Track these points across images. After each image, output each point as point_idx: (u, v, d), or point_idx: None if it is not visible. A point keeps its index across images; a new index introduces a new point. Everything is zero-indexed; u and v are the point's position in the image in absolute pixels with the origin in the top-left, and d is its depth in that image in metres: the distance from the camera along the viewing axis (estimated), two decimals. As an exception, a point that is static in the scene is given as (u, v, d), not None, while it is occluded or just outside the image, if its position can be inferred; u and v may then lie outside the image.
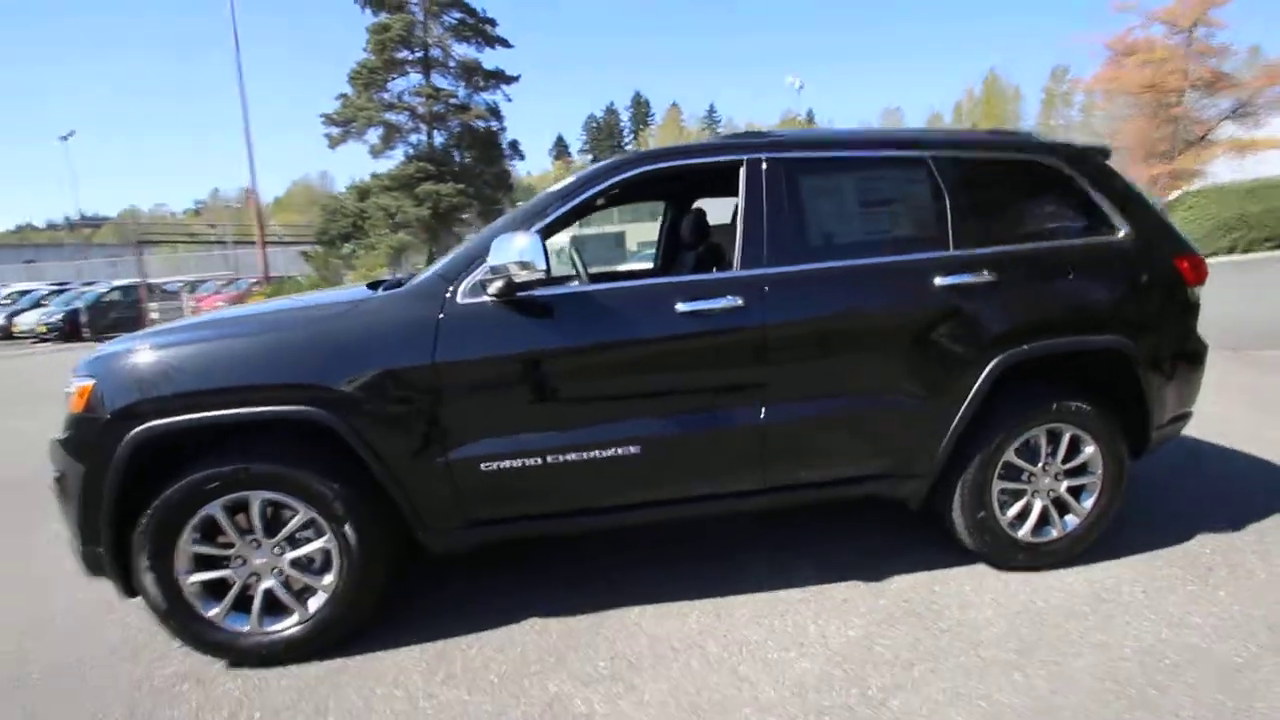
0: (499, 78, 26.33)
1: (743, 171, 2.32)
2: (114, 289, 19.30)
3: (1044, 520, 2.53)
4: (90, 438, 1.99)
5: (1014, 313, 2.36)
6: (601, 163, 2.34)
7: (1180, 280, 2.57)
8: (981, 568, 2.56)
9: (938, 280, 2.31)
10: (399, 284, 2.54)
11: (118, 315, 17.80)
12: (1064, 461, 2.51)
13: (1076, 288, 2.44)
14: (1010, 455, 2.45)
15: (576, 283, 2.41)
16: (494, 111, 26.59)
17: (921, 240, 2.40)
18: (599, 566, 2.72)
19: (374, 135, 26.08)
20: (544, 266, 1.97)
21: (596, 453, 2.15)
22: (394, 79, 25.82)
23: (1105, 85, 21.02)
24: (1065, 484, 2.53)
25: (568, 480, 2.17)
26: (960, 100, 62.60)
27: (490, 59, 26.93)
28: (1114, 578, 2.47)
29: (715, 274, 2.28)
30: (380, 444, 2.04)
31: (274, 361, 2.03)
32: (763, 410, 2.24)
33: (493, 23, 25.96)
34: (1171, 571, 2.49)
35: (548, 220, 2.20)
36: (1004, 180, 2.54)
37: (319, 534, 2.08)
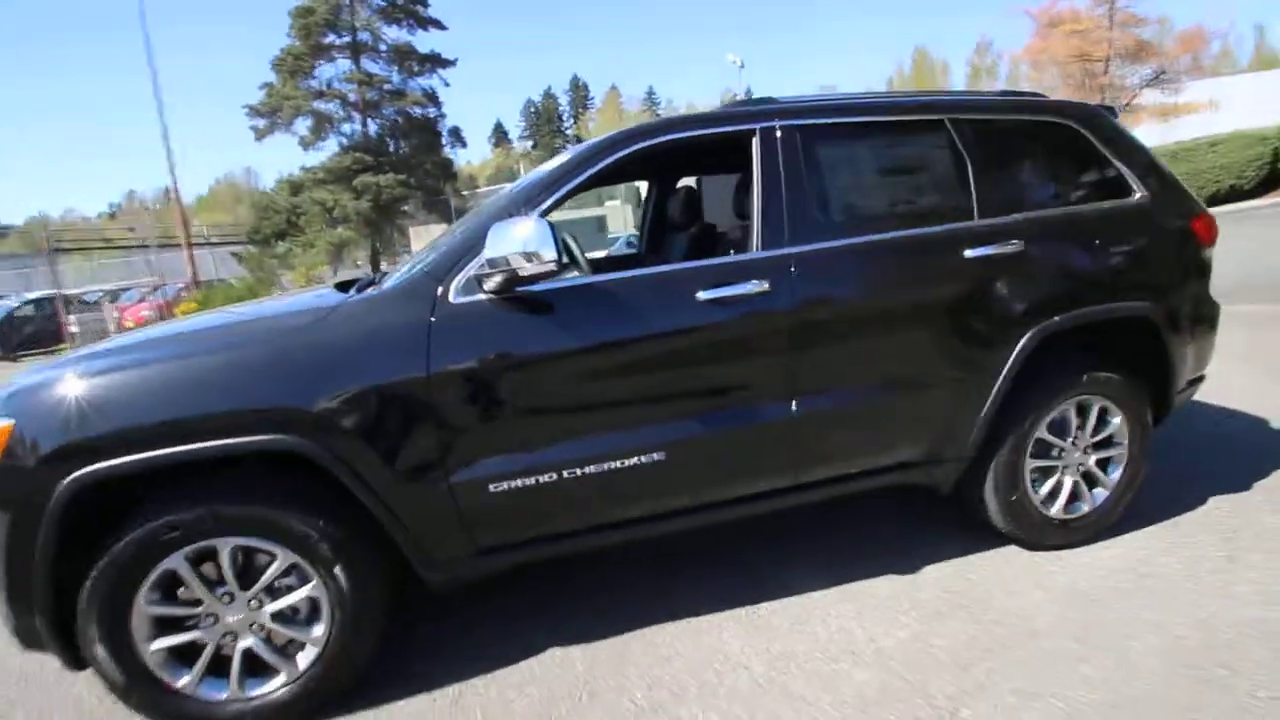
0: (435, 61, 25.24)
1: (756, 142, 2.10)
2: (26, 302, 17.74)
3: (1074, 496, 2.45)
4: (14, 489, 1.64)
5: (1044, 283, 2.25)
6: (609, 135, 2.09)
7: (1196, 241, 2.51)
8: (1010, 549, 2.47)
9: (967, 253, 2.16)
10: (372, 283, 2.24)
11: (33, 330, 16.42)
12: (1092, 434, 2.43)
13: (1102, 253, 2.34)
14: (1042, 431, 2.35)
15: (576, 273, 2.17)
16: (431, 97, 25.52)
17: (946, 210, 2.25)
18: (612, 581, 2.50)
19: (303, 126, 24.69)
20: (555, 256, 1.72)
21: (617, 463, 1.92)
22: (321, 65, 24.42)
23: (1035, 55, 21.62)
24: (1094, 457, 2.45)
25: (586, 495, 1.94)
26: (891, 76, 63.93)
27: (424, 42, 25.81)
28: (1145, 549, 2.41)
29: (736, 256, 2.07)
30: (370, 472, 1.76)
31: (236, 383, 1.72)
32: (794, 403, 2.06)
33: (424, 3, 24.83)
34: (1199, 539, 2.45)
35: (552, 200, 1.94)
36: (1022, 143, 2.41)
37: (303, 580, 1.79)
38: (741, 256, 2.05)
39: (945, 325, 2.17)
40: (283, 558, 1.75)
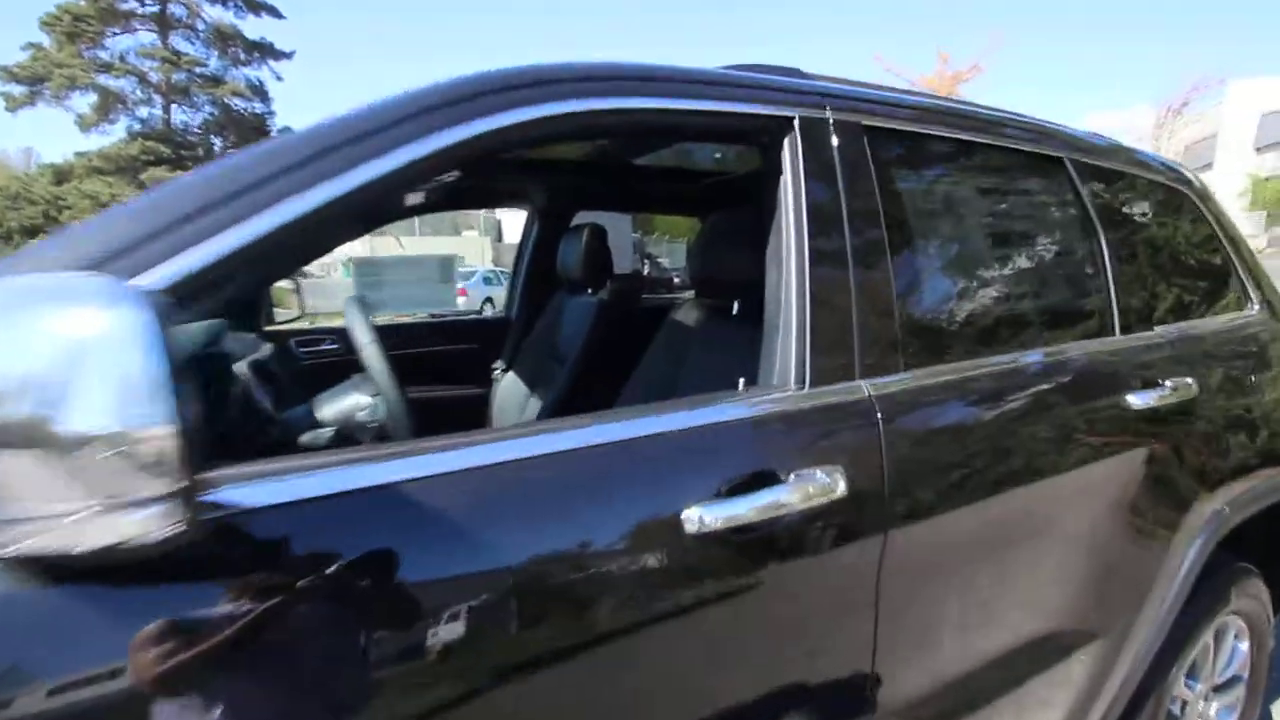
0: (265, 51, 21.93)
1: (790, 142, 0.97)
2: None
3: (1193, 768, 1.55)
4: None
5: (1214, 450, 1.34)
6: (483, 73, 0.81)
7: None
8: None
9: (1131, 400, 1.18)
10: None
11: None
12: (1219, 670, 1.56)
13: (1258, 397, 1.50)
14: (1180, 684, 1.43)
15: (369, 415, 0.87)
16: (258, 90, 22.13)
17: (1078, 313, 1.28)
18: None
19: (84, 102, 20.20)
20: (178, 457, 0.41)
21: None
22: (115, 34, 20.25)
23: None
24: (1215, 705, 1.58)
25: None
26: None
27: (255, 28, 22.48)
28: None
29: (761, 401, 0.87)
30: None
31: None
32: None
33: (258, -14, 21.65)
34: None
35: (240, 243, 0.60)
36: (1147, 213, 1.54)
37: None
38: (775, 401, 0.86)
39: (1101, 533, 1.16)
40: None
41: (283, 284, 2.36)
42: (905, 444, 0.90)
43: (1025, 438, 1.04)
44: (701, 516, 0.72)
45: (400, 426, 0.90)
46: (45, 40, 19.66)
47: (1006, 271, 1.21)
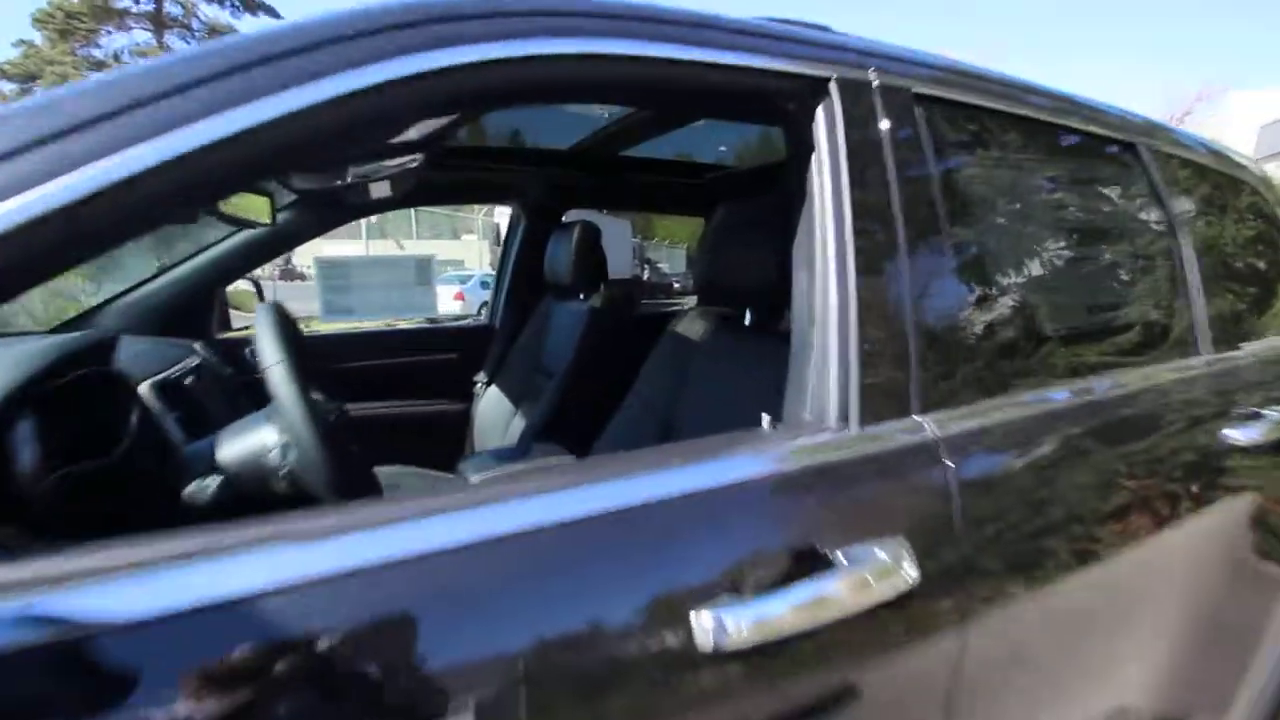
0: (262, 53, 21.78)
1: (825, 112, 0.75)
2: None
3: None
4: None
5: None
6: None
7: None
8: None
9: (1229, 434, 0.97)
10: None
11: None
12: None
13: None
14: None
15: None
16: (254, 92, 21.86)
17: (1156, 325, 1.07)
18: None
19: (75, 100, 19.98)
20: None
21: None
22: (108, 32, 20.05)
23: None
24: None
25: None
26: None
27: (251, 28, 22.26)
28: None
29: (784, 445, 0.65)
30: None
31: None
32: None
33: (256, -15, 21.48)
34: None
35: None
36: (1223, 210, 1.33)
37: None
38: (813, 449, 0.64)
39: (1206, 600, 0.95)
40: None
41: (242, 286, 2.16)
42: (983, 501, 0.69)
43: (1126, 485, 0.83)
44: (721, 622, 0.50)
45: (316, 474, 0.69)
46: (37, 38, 19.50)
47: (1087, 277, 0.99)
